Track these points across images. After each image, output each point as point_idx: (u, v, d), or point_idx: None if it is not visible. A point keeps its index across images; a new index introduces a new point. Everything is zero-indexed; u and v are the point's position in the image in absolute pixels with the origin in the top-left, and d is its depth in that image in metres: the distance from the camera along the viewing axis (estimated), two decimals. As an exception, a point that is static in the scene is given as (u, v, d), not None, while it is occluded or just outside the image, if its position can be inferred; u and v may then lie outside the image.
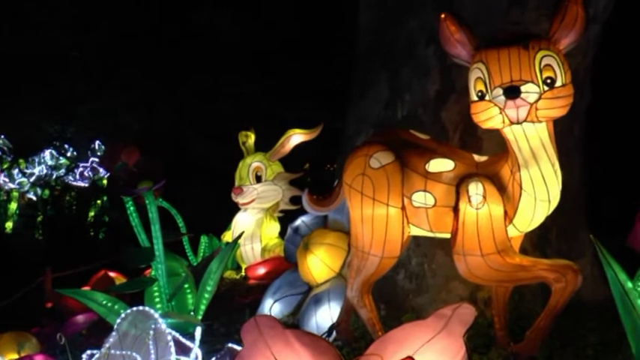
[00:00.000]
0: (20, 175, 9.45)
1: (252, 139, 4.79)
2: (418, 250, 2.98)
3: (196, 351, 2.33)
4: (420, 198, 2.40)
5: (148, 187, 3.11)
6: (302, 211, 3.25)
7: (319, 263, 3.04)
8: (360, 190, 2.47)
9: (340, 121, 3.73)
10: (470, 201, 2.27)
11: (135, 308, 2.40)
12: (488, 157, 2.41)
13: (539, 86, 2.06)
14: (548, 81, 2.07)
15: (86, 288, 3.52)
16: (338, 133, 3.69)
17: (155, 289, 3.24)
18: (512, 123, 2.11)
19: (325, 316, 2.86)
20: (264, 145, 4.77)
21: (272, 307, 3.18)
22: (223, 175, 5.25)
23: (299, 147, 4.67)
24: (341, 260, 3.02)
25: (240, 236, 3.81)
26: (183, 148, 8.61)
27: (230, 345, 2.39)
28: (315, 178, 8.16)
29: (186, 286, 3.28)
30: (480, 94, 2.16)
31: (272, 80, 8.35)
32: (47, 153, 9.84)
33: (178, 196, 4.76)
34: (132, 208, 3.32)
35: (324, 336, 2.26)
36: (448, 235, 2.38)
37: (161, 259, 3.19)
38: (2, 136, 9.70)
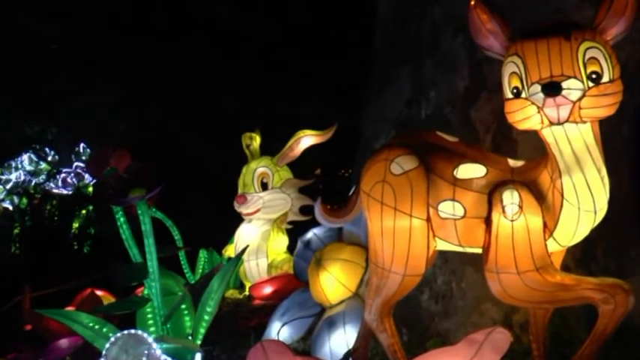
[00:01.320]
0: (-5, 182, 9.56)
1: (257, 141, 4.82)
2: (445, 267, 2.98)
3: (195, 380, 2.35)
4: (448, 208, 2.40)
5: (141, 195, 3.13)
6: (314, 223, 3.27)
7: (333, 281, 3.05)
8: (380, 199, 2.48)
9: (357, 120, 3.75)
10: (504, 211, 2.28)
11: (126, 331, 2.42)
12: (524, 162, 2.41)
13: (582, 82, 2.06)
14: (594, 76, 2.06)
15: (70, 308, 3.55)
16: (354, 134, 3.72)
17: (148, 310, 3.25)
18: (552, 123, 2.11)
19: (340, 342, 2.87)
20: (271, 148, 4.80)
21: (280, 331, 3.19)
22: (225, 182, 5.29)
23: (310, 150, 4.70)
24: (358, 278, 3.04)
25: (243, 251, 3.81)
26: (179, 152, 8.66)
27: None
28: (329, 185, 8.19)
29: (183, 306, 3.30)
30: (515, 91, 2.16)
31: (280, 75, 8.39)
32: (25, 157, 9.94)
33: (174, 206, 4.79)
34: (122, 219, 3.34)
35: (339, 364, 2.27)
36: (479, 250, 2.39)
37: (155, 277, 3.20)
38: (-26, 139, 9.83)
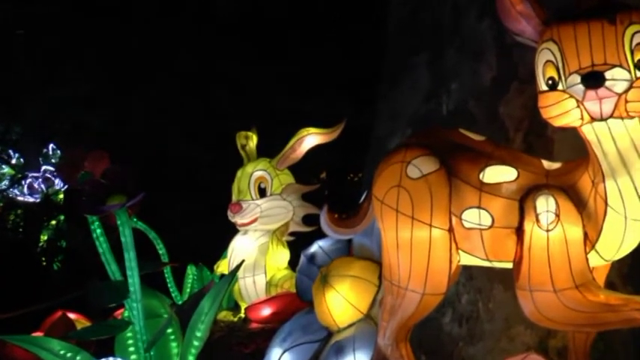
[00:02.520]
0: (-48, 189, 9.58)
1: (253, 141, 4.83)
2: (470, 284, 2.99)
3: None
4: (473, 217, 2.41)
5: (120, 203, 3.15)
6: (319, 234, 3.27)
7: (341, 301, 3.04)
8: (395, 206, 2.48)
9: (368, 117, 3.76)
10: (538, 220, 2.28)
11: None
12: (561, 164, 2.42)
13: (629, 72, 2.05)
14: (642, 65, 2.07)
15: (38, 334, 3.56)
16: (365, 132, 3.73)
17: (129, 335, 3.27)
18: (593, 119, 2.11)
19: (350, 371, 2.87)
20: (270, 149, 4.81)
21: (281, 358, 3.19)
22: (217, 188, 5.30)
23: (315, 151, 4.71)
24: (370, 298, 3.03)
25: (239, 266, 3.82)
26: (164, 153, 8.66)
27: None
28: (336, 191, 8.19)
29: (169, 331, 3.31)
30: (550, 82, 2.17)
31: (280, 65, 8.38)
32: (-16, 161, 9.95)
33: (159, 215, 4.82)
34: (99, 230, 3.37)
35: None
36: (510, 265, 2.39)
37: (137, 297, 3.22)
38: None
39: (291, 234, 4.79)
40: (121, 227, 3.21)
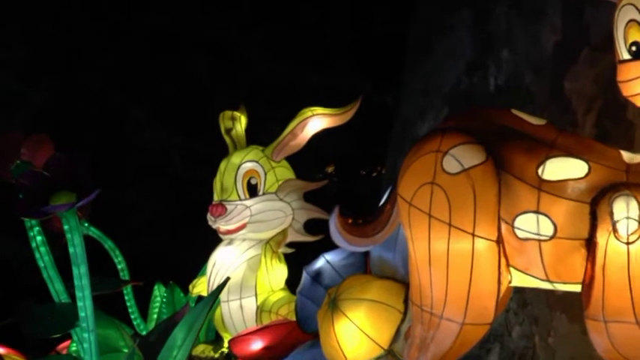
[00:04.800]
0: None
1: (242, 123, 4.82)
2: (524, 312, 2.98)
3: None
4: (529, 224, 2.40)
5: (68, 202, 3.15)
6: (326, 245, 3.27)
7: (356, 333, 3.05)
8: (428, 209, 2.49)
9: (390, 94, 3.76)
10: (616, 230, 2.27)
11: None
12: (646, 157, 2.42)
13: None
14: None
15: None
16: (386, 114, 3.72)
17: (78, 376, 3.28)
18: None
19: None
20: (263, 134, 4.80)
21: (276, 406, 3.20)
22: (193, 184, 5.30)
23: (321, 137, 4.70)
24: (392, 328, 3.03)
25: (222, 286, 3.83)
26: (125, 139, 8.65)
27: None
28: (348, 189, 8.16)
29: (131, 369, 3.32)
30: (634, 48, 2.16)
31: (278, 26, 8.35)
32: None
33: (118, 219, 4.81)
34: (39, 237, 3.37)
35: None
36: (577, 288, 2.39)
37: (88, 325, 3.22)
38: None
39: (290, 245, 4.76)
40: (69, 234, 3.21)
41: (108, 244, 4.92)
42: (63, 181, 3.17)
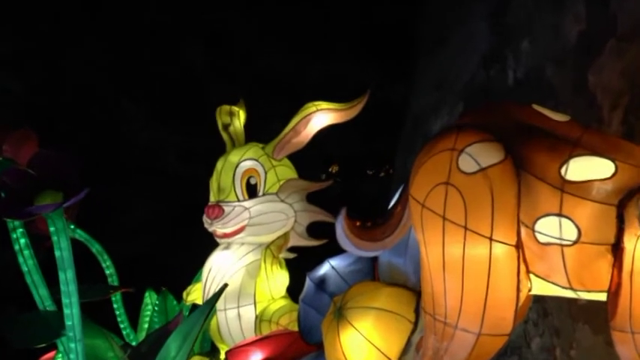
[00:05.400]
0: None
1: (240, 119, 4.81)
2: (544, 322, 2.98)
3: None
4: (551, 228, 2.40)
5: (55, 202, 3.15)
6: (331, 250, 3.27)
7: (363, 344, 3.06)
8: (442, 212, 2.49)
9: (401, 86, 3.75)
10: (645, 234, 2.28)
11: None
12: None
13: None
14: None
15: None
16: (397, 109, 3.72)
17: (63, 390, 3.28)
18: None
19: None
20: (263, 130, 4.79)
21: None
22: (187, 184, 5.29)
23: (326, 135, 4.69)
24: (402, 339, 3.04)
25: (219, 294, 3.83)
26: (115, 135, 8.65)
27: None
28: (355, 190, 8.16)
29: (120, 383, 3.33)
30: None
31: (278, 15, 8.35)
32: None
33: (106, 221, 4.81)
34: (22, 240, 3.36)
35: None
36: (602, 297, 2.39)
37: (75, 334, 3.22)
38: None
39: (292, 249, 4.75)
40: (55, 237, 3.21)
41: (95, 248, 4.91)
42: (49, 179, 3.17)
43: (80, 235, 4.83)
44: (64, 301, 3.19)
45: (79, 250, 3.59)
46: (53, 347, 3.44)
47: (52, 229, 3.18)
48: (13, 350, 3.53)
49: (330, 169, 8.39)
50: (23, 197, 3.15)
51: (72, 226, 4.56)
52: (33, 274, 3.33)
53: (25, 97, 8.72)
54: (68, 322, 3.20)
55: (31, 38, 8.58)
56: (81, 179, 3.13)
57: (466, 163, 2.46)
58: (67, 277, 3.17)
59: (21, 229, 3.36)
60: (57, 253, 3.18)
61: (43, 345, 3.46)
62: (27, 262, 3.34)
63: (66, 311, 3.19)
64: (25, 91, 8.79)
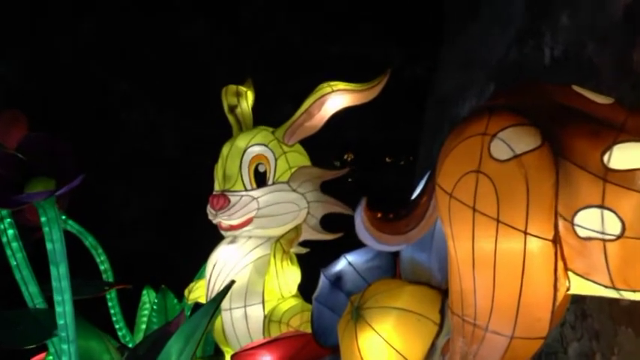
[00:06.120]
0: None
1: (248, 100, 4.81)
2: (583, 325, 2.98)
3: None
4: (593, 221, 2.40)
5: (46, 190, 3.15)
6: (347, 245, 3.27)
7: (383, 347, 3.06)
8: (472, 203, 2.49)
9: (425, 66, 3.75)
10: (697, 230, 2.27)
11: None
12: None
13: None
14: None
15: None
16: (420, 90, 3.71)
17: (54, 395, 3.29)
18: None
19: None
20: (273, 113, 4.79)
21: None
22: (190, 171, 5.29)
23: (342, 118, 4.69)
24: (426, 342, 3.04)
25: (225, 291, 3.83)
26: (110, 119, 8.66)
27: None
28: (373, 179, 8.16)
29: (116, 388, 3.34)
30: None
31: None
32: None
33: (101, 212, 4.81)
34: (11, 231, 3.37)
35: None
36: (647, 297, 2.39)
37: (68, 335, 3.23)
38: None
39: (304, 244, 4.75)
40: (47, 227, 3.21)
41: (89, 241, 4.91)
42: (40, 164, 3.17)
43: (72, 226, 4.84)
44: (56, 298, 3.19)
45: (70, 243, 3.58)
46: (43, 349, 3.46)
47: (43, 219, 3.17)
48: (3, 353, 3.56)
49: (345, 157, 8.38)
50: (12, 184, 3.15)
51: (63, 217, 4.57)
52: (22, 269, 3.33)
53: (10, 78, 8.77)
54: (60, 322, 3.20)
55: (10, 13, 8.61)
56: (75, 164, 3.13)
57: (499, 150, 2.45)
58: (60, 272, 3.17)
59: (9, 220, 3.36)
60: (48, 246, 3.17)
61: (33, 346, 3.47)
62: (15, 255, 3.35)
63: (58, 309, 3.19)
64: (10, 71, 8.83)
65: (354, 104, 4.59)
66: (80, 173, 3.10)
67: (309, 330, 3.67)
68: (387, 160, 8.32)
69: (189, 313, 4.71)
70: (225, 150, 4.71)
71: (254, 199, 4.57)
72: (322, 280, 3.51)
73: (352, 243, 3.10)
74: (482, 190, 2.46)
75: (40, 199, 3.14)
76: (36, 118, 3.34)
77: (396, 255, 3.25)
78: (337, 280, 3.45)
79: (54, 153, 3.17)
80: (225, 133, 4.79)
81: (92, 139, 7.19)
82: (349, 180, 7.71)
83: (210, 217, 4.62)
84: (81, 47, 8.81)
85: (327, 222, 4.68)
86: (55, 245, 3.19)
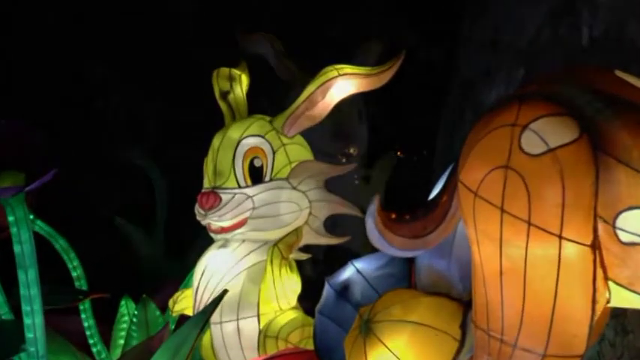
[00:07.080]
0: None
1: (243, 85, 4.81)
2: (624, 342, 2.98)
3: None
4: (637, 224, 2.39)
5: (15, 186, 3.15)
6: (356, 250, 3.26)
7: (396, 367, 3.07)
8: (499, 202, 2.49)
9: (444, 48, 3.75)
10: None
11: None
12: None
13: None
14: None
15: None
16: (439, 74, 3.71)
17: (22, 418, 3.30)
18: None
19: None
20: (272, 100, 4.78)
21: None
22: (174, 166, 5.29)
23: (347, 104, 4.67)
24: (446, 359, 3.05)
25: (216, 302, 3.83)
26: (85, 106, 8.67)
27: None
28: (386, 175, 8.16)
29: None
30: None
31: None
32: None
33: (74, 211, 4.81)
34: (-24, 231, 3.39)
35: None
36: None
37: (38, 349, 3.24)
38: None
39: (305, 249, 4.75)
40: (15, 228, 3.22)
41: (60, 244, 4.89)
42: (8, 156, 3.16)
43: (41, 227, 4.82)
44: (25, 308, 3.19)
45: (38, 247, 3.57)
46: (11, 365, 3.46)
47: (10, 218, 3.17)
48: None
49: (352, 150, 8.38)
50: (-22, 178, 3.16)
51: (31, 217, 4.57)
52: (-14, 274, 3.35)
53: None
54: (29, 335, 3.19)
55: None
56: (48, 156, 3.12)
57: (531, 143, 2.44)
58: (29, 278, 3.16)
59: (-28, 219, 3.38)
60: (16, 248, 3.17)
61: (-1, 362, 3.48)
62: (-21, 259, 3.37)
63: (27, 321, 3.19)
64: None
65: (364, 90, 4.57)
66: (53, 166, 3.10)
67: (310, 347, 3.66)
68: (400, 153, 8.33)
69: (173, 326, 4.70)
70: (216, 141, 4.68)
71: (248, 197, 4.55)
72: (327, 290, 3.51)
73: (360, 248, 3.10)
74: (511, 189, 2.45)
75: (7, 195, 3.13)
76: (4, 101, 3.35)
77: (411, 262, 3.24)
78: (344, 290, 3.44)
79: (24, 143, 3.16)
80: (217, 123, 4.78)
81: (64, 128, 7.20)
82: (356, 177, 7.75)
83: (199, 218, 4.60)
84: (51, 26, 8.86)
85: (333, 225, 4.68)
86: (24, 247, 3.18)
